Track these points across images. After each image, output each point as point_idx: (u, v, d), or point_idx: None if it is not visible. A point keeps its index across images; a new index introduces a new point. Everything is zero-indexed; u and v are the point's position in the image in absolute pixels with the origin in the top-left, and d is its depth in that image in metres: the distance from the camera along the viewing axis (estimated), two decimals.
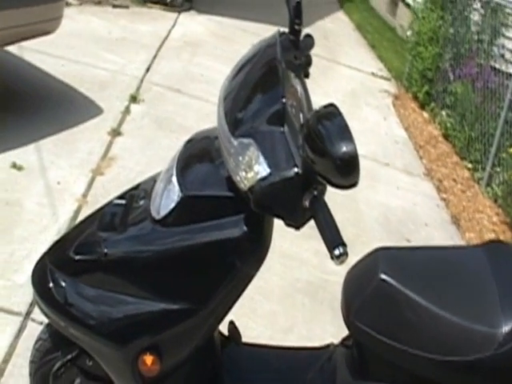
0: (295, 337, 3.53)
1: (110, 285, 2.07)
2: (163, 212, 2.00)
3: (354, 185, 1.72)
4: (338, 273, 4.09)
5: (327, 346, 2.58)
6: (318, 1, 10.89)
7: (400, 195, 5.42)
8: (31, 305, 3.23)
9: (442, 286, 2.10)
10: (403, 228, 4.90)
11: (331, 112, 1.76)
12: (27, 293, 3.26)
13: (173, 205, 1.98)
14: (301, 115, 2.01)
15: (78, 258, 2.13)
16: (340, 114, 1.75)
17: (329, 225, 1.73)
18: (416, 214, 5.16)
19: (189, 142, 2.19)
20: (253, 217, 1.92)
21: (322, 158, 1.69)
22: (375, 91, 7.76)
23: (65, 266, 2.17)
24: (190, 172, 2.07)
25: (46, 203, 4.02)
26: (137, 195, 2.21)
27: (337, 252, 1.67)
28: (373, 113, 6.97)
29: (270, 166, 1.80)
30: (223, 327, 2.48)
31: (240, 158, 1.85)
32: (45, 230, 3.76)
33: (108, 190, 4.29)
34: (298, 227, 1.88)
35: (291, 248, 4.26)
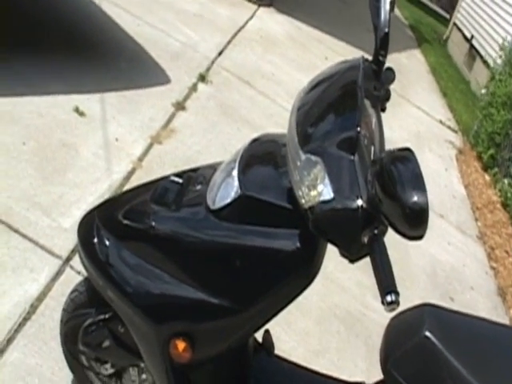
0: (326, 361, 3.55)
1: (152, 258, 2.10)
2: (219, 204, 2.03)
3: (419, 237, 1.73)
4: (378, 311, 4.16)
5: None
6: (397, 34, 10.98)
7: (450, 251, 5.44)
8: (72, 251, 3.27)
9: (488, 364, 2.07)
10: (449, 286, 4.91)
11: (407, 157, 1.76)
12: (70, 238, 3.32)
13: (229, 199, 2.00)
14: (372, 148, 2.00)
15: (125, 222, 2.16)
16: (416, 161, 1.74)
17: (385, 268, 1.72)
18: (464, 275, 5.18)
19: (255, 140, 2.21)
20: (308, 236, 1.93)
21: (390, 201, 1.69)
22: (440, 140, 7.80)
23: (112, 227, 2.21)
24: (252, 172, 2.09)
25: (102, 156, 4.07)
26: (195, 178, 2.24)
27: (389, 298, 1.67)
28: (435, 161, 7.00)
29: (334, 190, 1.79)
30: (258, 334, 2.52)
31: (305, 174, 1.85)
32: (96, 182, 3.80)
33: (163, 161, 4.35)
34: (352, 260, 1.87)
35: (334, 272, 4.28)
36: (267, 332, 2.53)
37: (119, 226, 2.18)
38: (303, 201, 1.84)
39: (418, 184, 1.69)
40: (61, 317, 2.49)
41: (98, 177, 3.86)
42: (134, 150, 4.31)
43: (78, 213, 3.44)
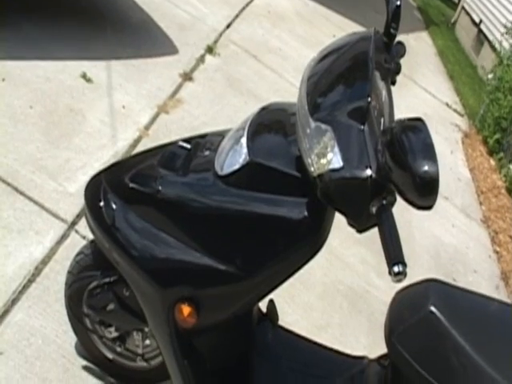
0: (328, 336, 3.56)
1: (159, 222, 2.11)
2: (227, 170, 2.03)
3: (428, 207, 1.73)
4: (382, 289, 4.17)
5: (361, 358, 2.61)
6: (405, 16, 10.92)
7: (454, 233, 5.44)
8: (78, 216, 3.27)
9: (491, 341, 2.07)
10: (452, 267, 4.92)
11: (418, 126, 1.76)
12: (76, 203, 3.32)
13: (237, 166, 2.00)
14: (382, 120, 2.00)
15: (132, 185, 2.16)
16: (427, 130, 1.74)
17: (393, 239, 1.71)
18: (467, 258, 5.18)
19: (264, 109, 2.20)
20: (316, 204, 1.93)
21: (401, 170, 1.68)
22: (446, 122, 7.78)
23: (119, 190, 2.21)
24: (260, 139, 2.09)
25: (108, 123, 4.05)
26: (203, 144, 2.24)
27: (396, 269, 1.65)
28: (441, 143, 6.98)
29: (343, 159, 1.80)
30: (262, 304, 2.52)
31: (315, 142, 1.85)
32: (102, 148, 3.79)
33: (170, 130, 4.34)
34: (360, 231, 1.88)
35: (339, 248, 4.28)
36: (272, 302, 2.55)
37: (126, 190, 2.18)
38: (312, 169, 1.84)
39: (429, 154, 1.69)
40: (66, 279, 2.50)
41: (104, 143, 3.85)
42: (140, 118, 4.29)
43: (84, 178, 3.43)
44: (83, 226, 3.21)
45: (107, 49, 4.77)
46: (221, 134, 2.26)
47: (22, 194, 3.20)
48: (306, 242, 1.99)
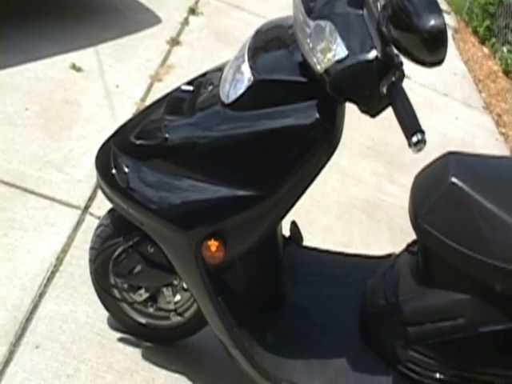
0: (352, 251, 3.42)
1: (171, 169, 2.02)
2: (233, 97, 1.93)
3: (440, 62, 1.64)
4: (396, 195, 4.01)
5: (389, 256, 2.53)
6: None
7: (459, 126, 5.22)
8: (90, 199, 3.18)
9: None
10: None
11: None
12: (86, 188, 3.23)
13: (243, 89, 1.90)
14: (378, 4, 1.88)
15: (139, 142, 2.07)
16: None
17: (407, 111, 1.67)
18: (475, 146, 4.97)
19: (258, 31, 2.07)
20: (326, 103, 1.86)
21: (407, 34, 1.62)
22: None
23: (128, 151, 2.11)
24: (262, 58, 1.97)
25: (105, 104, 3.92)
26: (205, 82, 2.12)
27: (415, 139, 1.62)
28: None
29: (347, 48, 1.73)
30: (285, 230, 2.40)
31: (317, 39, 1.77)
32: (103, 129, 3.65)
33: None
34: (373, 115, 1.82)
35: (348, 166, 4.15)
36: (294, 224, 2.47)
37: (134, 148, 2.08)
38: (318, 67, 1.76)
39: (432, 8, 1.61)
40: (89, 256, 2.40)
41: (104, 125, 3.71)
42: (135, 93, 4.14)
43: (89, 163, 3.31)
44: (96, 208, 3.12)
45: (92, 35, 4.59)
46: (220, 68, 2.14)
47: (32, 192, 3.10)
48: (322, 143, 1.90)
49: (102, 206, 2.93)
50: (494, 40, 7.02)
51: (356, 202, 3.85)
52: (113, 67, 4.35)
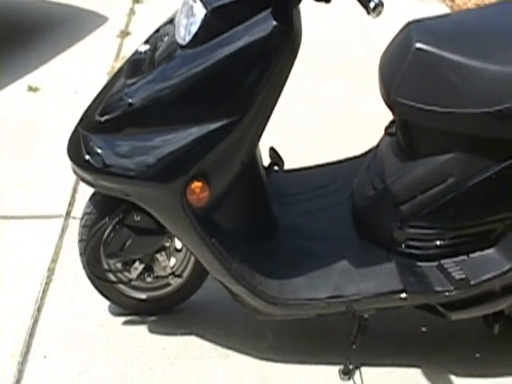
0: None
1: (141, 132, 1.99)
2: (189, 37, 1.91)
3: None
4: (367, 101, 3.81)
5: (369, 151, 2.49)
6: None
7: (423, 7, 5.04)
8: (70, 205, 3.13)
9: (477, 42, 2.00)
10: None
11: None
12: (63, 195, 3.23)
13: (198, 24, 1.88)
14: None
15: (104, 118, 2.02)
16: None
17: None
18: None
19: None
20: (280, 8, 1.84)
21: None
22: None
23: (96, 129, 2.07)
24: None
25: (68, 112, 3.80)
26: (160, 36, 2.11)
27: (372, 4, 1.65)
28: None
29: None
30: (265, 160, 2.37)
31: None
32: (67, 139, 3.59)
33: None
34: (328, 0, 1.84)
35: (316, 91, 4.06)
36: (272, 150, 2.47)
37: (102, 125, 2.04)
38: None
39: None
40: (79, 249, 2.34)
41: (68, 135, 3.63)
42: (95, 92, 4.04)
43: (59, 173, 3.27)
44: (78, 211, 3.03)
45: (41, 53, 4.53)
46: (172, 19, 2.11)
47: (12, 218, 3.05)
48: (283, 48, 1.89)
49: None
50: None
51: (328, 121, 3.77)
52: (69, 76, 4.29)
